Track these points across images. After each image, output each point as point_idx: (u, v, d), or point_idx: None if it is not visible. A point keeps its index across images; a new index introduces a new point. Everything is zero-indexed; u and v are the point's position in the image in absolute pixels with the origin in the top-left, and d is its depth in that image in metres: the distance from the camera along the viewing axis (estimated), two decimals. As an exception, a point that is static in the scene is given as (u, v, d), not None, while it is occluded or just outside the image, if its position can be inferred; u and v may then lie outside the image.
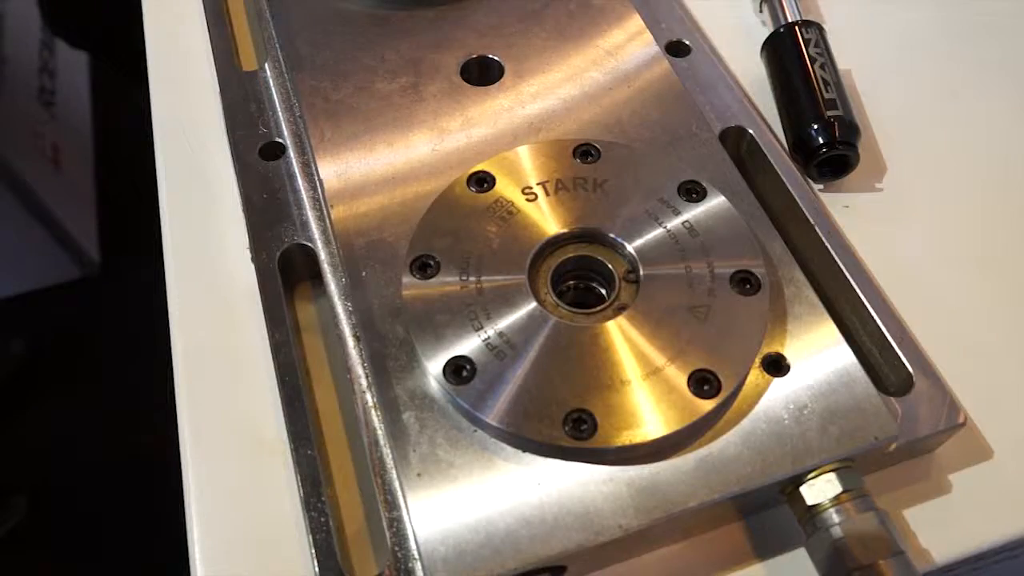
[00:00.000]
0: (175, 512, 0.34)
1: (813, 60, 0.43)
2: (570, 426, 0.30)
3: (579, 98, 0.41)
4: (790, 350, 0.33)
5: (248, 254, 0.38)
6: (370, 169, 0.38)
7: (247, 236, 0.39)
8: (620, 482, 0.30)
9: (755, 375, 0.32)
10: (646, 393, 0.30)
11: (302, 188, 0.40)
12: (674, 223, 0.35)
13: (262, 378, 0.36)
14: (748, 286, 0.33)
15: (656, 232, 0.35)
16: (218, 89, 0.45)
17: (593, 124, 0.40)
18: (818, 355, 0.32)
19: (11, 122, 1.36)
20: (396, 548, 0.30)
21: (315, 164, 0.39)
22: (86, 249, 1.39)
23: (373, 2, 0.45)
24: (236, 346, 0.38)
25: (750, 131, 0.42)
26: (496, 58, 0.43)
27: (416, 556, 0.29)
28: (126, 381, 1.27)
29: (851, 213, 0.42)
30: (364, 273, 0.35)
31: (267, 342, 0.36)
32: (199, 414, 0.36)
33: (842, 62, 0.44)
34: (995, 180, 0.43)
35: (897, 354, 0.35)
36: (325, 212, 0.38)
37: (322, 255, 0.38)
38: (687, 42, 0.46)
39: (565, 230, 0.35)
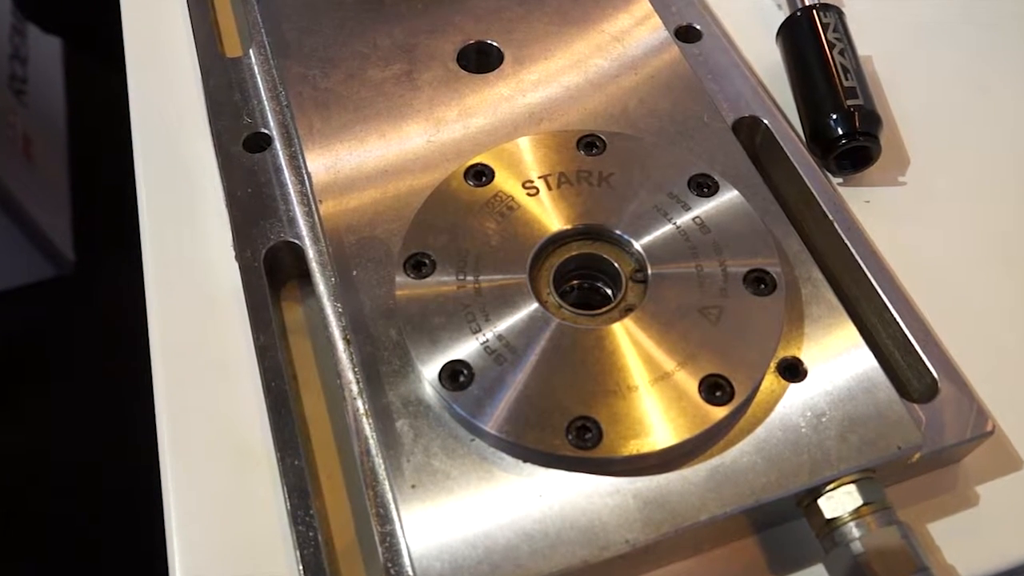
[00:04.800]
0: (154, 523, 0.34)
1: (832, 46, 0.43)
2: (574, 435, 0.30)
3: (583, 86, 0.41)
4: (807, 354, 0.33)
5: (232, 252, 0.38)
6: (361, 162, 0.38)
7: (231, 233, 0.39)
8: (627, 494, 0.30)
9: (770, 380, 0.32)
10: (654, 400, 0.30)
11: (289, 182, 0.40)
12: (684, 219, 0.35)
13: (246, 383, 0.36)
14: (763, 286, 0.33)
15: (665, 229, 0.35)
16: (200, 77, 0.45)
17: (598, 114, 0.40)
18: (837, 359, 0.32)
19: (-21, 112, 1.36)
20: (389, 564, 0.30)
21: (303, 156, 0.39)
22: (60, 246, 1.39)
23: (364, -16, 0.45)
24: (219, 349, 0.38)
25: (765, 121, 0.42)
26: (495, 44, 0.43)
27: (410, 572, 0.29)
28: (102, 386, 1.27)
29: (872, 208, 0.42)
30: (355, 272, 0.35)
31: (252, 345, 0.36)
32: (179, 421, 0.36)
33: (863, 48, 0.44)
34: (1025, 173, 0.43)
35: (921, 358, 0.35)
36: (313, 207, 0.38)
37: (310, 253, 0.38)
38: (698, 27, 0.46)
39: (568, 226, 0.35)
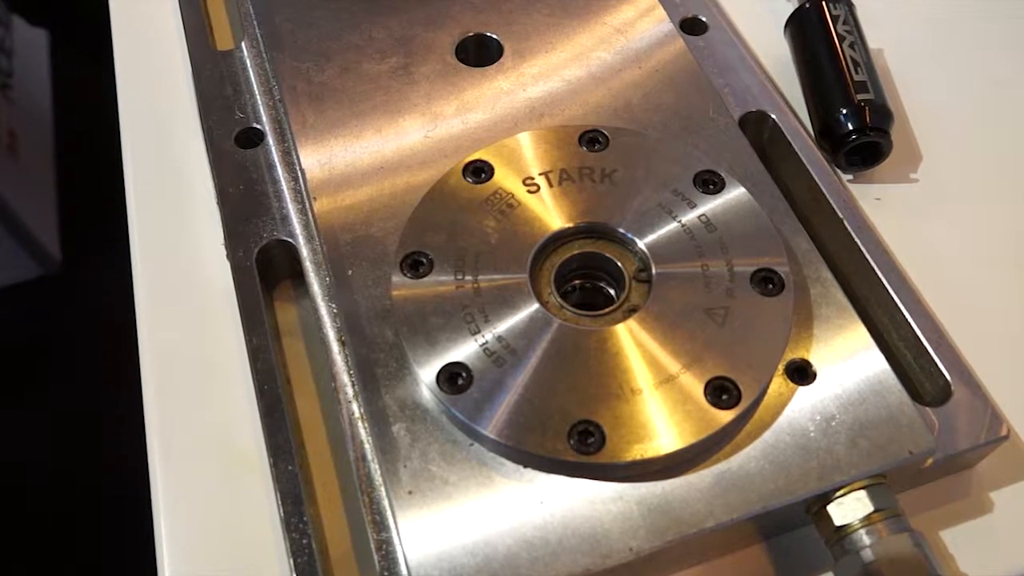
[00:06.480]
0: (142, 530, 0.34)
1: (842, 38, 0.43)
2: (576, 439, 0.30)
3: (585, 80, 0.41)
4: (816, 356, 0.33)
5: (223, 251, 0.38)
6: (357, 158, 0.38)
7: (222, 231, 0.39)
8: (630, 500, 0.30)
9: (778, 383, 0.32)
10: (659, 403, 0.30)
11: (282, 179, 0.40)
12: (689, 217, 0.35)
13: (238, 386, 0.36)
14: (770, 286, 0.33)
15: (670, 227, 0.35)
16: (190, 70, 0.45)
17: (601, 108, 0.40)
18: (847, 361, 0.32)
19: (-37, 106, 1.36)
20: (385, 572, 0.30)
21: (296, 152, 0.39)
22: (46, 245, 1.39)
23: (360, -25, 0.45)
24: (210, 351, 0.38)
25: (773, 116, 0.42)
26: (494, 36, 0.43)
27: (407, 581, 0.29)
28: (90, 389, 1.27)
29: (883, 206, 0.42)
30: (350, 272, 0.35)
31: (244, 347, 0.36)
32: (169, 425, 0.36)
33: (873, 41, 0.44)
34: (1041, 170, 0.43)
35: (934, 360, 0.35)
36: (307, 205, 0.38)
37: (304, 252, 0.38)
38: (704, 19, 0.46)
39: (570, 225, 0.35)
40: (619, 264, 0.35)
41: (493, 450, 0.31)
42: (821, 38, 0.43)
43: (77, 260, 1.42)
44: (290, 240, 0.38)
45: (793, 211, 0.37)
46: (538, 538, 0.29)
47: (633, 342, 0.32)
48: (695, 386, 0.31)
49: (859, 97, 0.41)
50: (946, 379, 0.34)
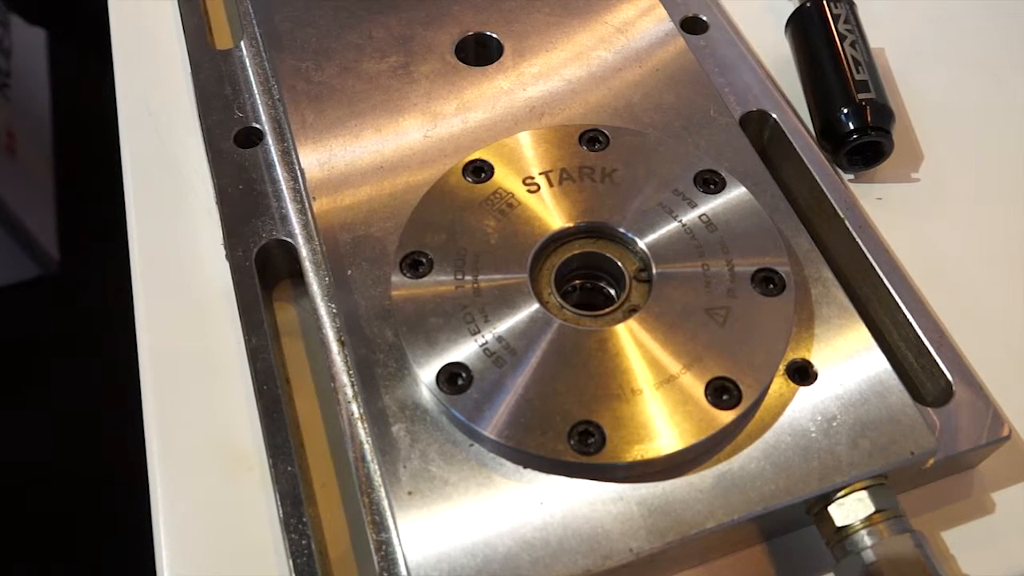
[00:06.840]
0: (140, 530, 0.34)
1: (843, 37, 0.43)
2: (576, 440, 0.30)
3: (586, 79, 0.41)
4: (817, 356, 0.33)
5: (222, 251, 0.38)
6: (356, 157, 0.38)
7: (221, 231, 0.39)
8: (631, 501, 0.30)
9: (779, 383, 0.32)
10: (659, 403, 0.30)
11: (281, 178, 0.40)
12: (690, 217, 0.35)
13: (238, 386, 0.36)
14: (771, 286, 0.33)
15: (670, 227, 0.35)
16: (189, 70, 0.45)
17: (601, 108, 0.40)
18: (848, 361, 0.32)
19: (-39, 106, 1.36)
20: (385, 573, 0.30)
21: (296, 152, 0.39)
22: (45, 245, 1.39)
23: (360, -26, 0.45)
24: (209, 351, 0.38)
25: (774, 116, 0.42)
26: (494, 35, 0.43)
27: (407, 582, 0.29)
28: (89, 389, 1.27)
29: (884, 206, 0.42)
30: (350, 272, 0.35)
31: (243, 347, 0.36)
32: (168, 426, 0.36)
33: (874, 40, 0.44)
34: (1043, 169, 0.43)
35: (935, 360, 0.35)
36: (307, 205, 0.38)
37: (303, 252, 0.38)
38: (704, 18, 0.46)
39: (570, 224, 0.35)
40: (619, 264, 0.35)
41: (493, 450, 0.31)
42: (822, 37, 0.43)
43: (76, 260, 1.42)
44: (289, 240, 0.38)
45: (794, 211, 0.37)
46: (538, 539, 0.29)
47: (633, 342, 0.32)
48: (696, 386, 0.31)
49: (860, 96, 0.41)
50: (947, 379, 0.34)
